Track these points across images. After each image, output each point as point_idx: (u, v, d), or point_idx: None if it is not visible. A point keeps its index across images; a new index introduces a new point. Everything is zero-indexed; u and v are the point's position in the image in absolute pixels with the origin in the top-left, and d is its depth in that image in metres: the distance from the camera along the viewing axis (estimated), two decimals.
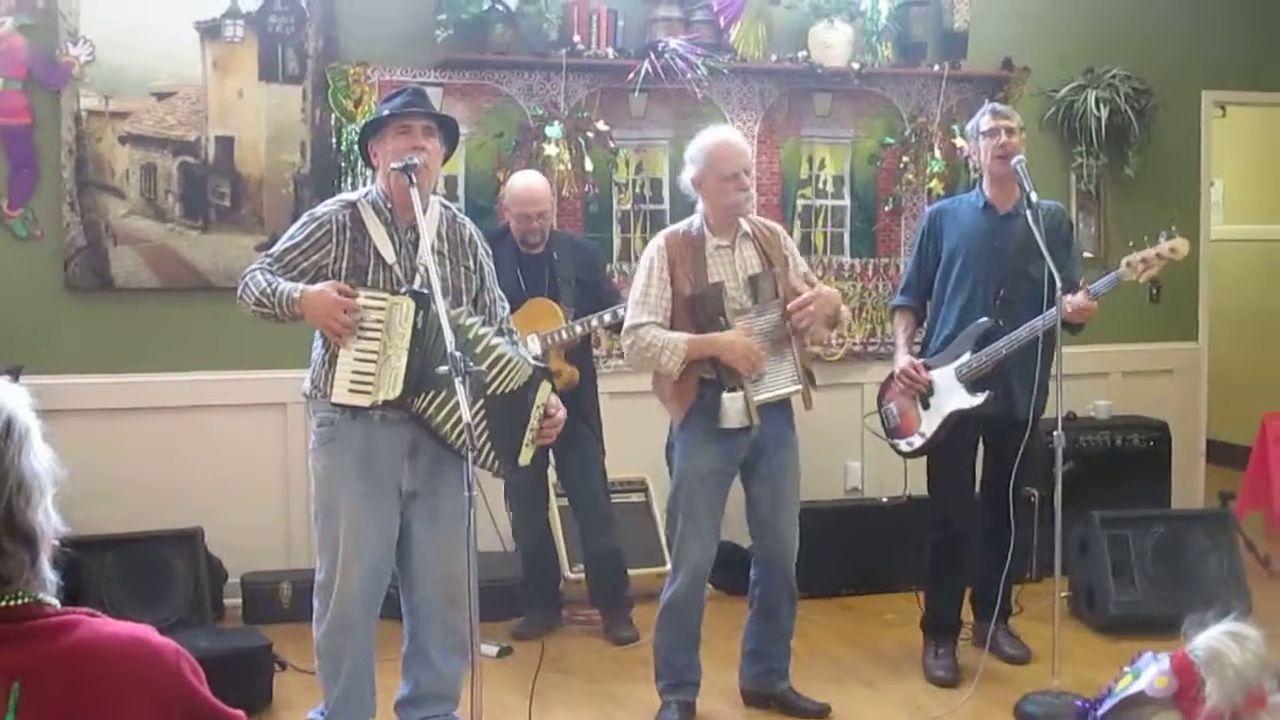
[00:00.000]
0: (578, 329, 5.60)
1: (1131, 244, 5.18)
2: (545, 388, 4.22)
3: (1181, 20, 7.51)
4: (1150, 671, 1.65)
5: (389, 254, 4.15)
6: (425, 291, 4.04)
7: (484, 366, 3.99)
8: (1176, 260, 5.12)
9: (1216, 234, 8.20)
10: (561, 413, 4.28)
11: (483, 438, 4.07)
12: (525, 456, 4.22)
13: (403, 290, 4.08)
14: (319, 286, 4.05)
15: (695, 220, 4.79)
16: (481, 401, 4.00)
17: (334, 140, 6.18)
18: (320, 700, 4.40)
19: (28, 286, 5.92)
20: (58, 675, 1.66)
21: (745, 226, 4.79)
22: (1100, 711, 1.68)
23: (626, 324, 4.74)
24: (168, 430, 6.08)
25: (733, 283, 4.72)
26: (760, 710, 4.96)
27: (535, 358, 4.40)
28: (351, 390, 4.06)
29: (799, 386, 4.79)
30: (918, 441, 5.36)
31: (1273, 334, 9.06)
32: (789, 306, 4.70)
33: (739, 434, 4.68)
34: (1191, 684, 1.62)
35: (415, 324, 4.03)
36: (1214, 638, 1.65)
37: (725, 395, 4.63)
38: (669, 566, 6.18)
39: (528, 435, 4.19)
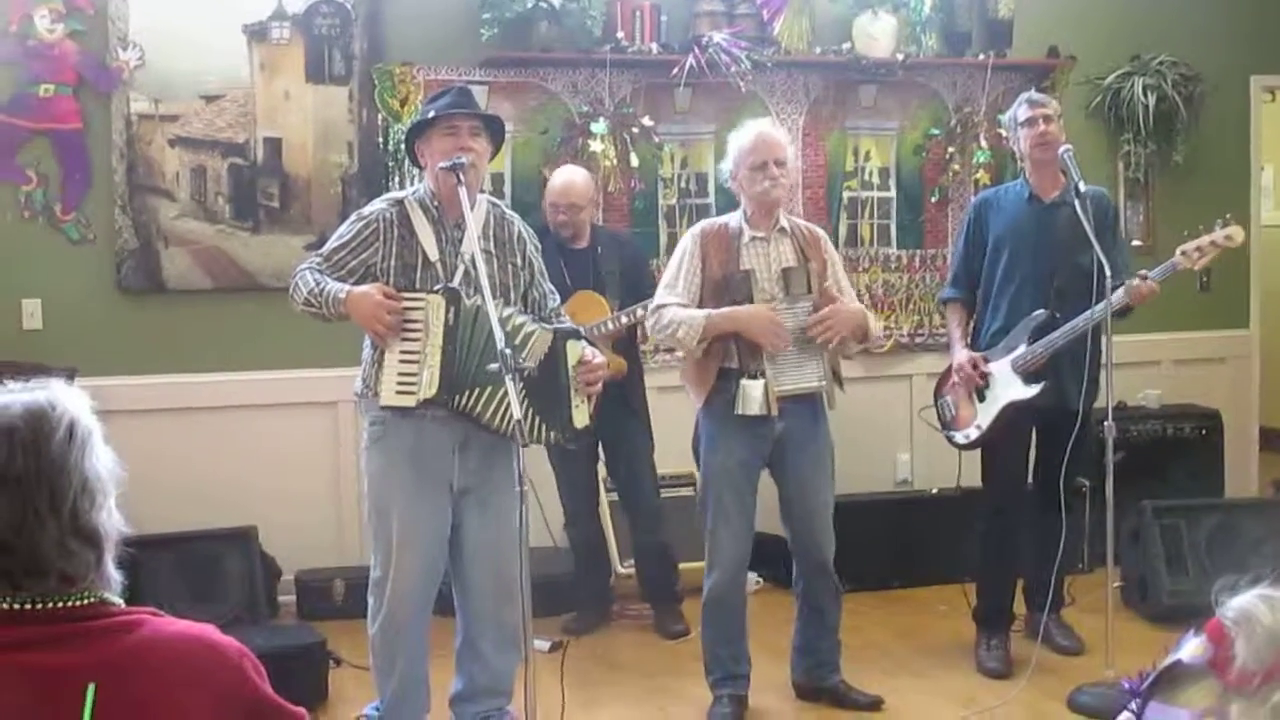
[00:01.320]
0: (623, 319, 5.62)
1: (1186, 233, 5.15)
2: (575, 346, 4.23)
3: (1228, 5, 7.45)
4: (1188, 644, 1.68)
5: (434, 251, 4.18)
6: (458, 289, 4.07)
7: (520, 349, 4.00)
8: (1232, 248, 5.09)
9: (1267, 220, 8.13)
10: (600, 358, 4.30)
11: (531, 416, 4.09)
12: (579, 418, 4.24)
13: (437, 288, 4.10)
14: (364, 288, 4.08)
15: (735, 216, 4.81)
16: (521, 383, 4.00)
17: (381, 140, 6.22)
18: (375, 696, 4.43)
19: (81, 289, 5.98)
20: (126, 674, 1.69)
21: (784, 223, 4.80)
22: (1143, 686, 1.70)
23: (652, 306, 4.78)
24: (220, 430, 6.14)
25: (765, 274, 4.71)
26: (812, 704, 4.96)
27: (561, 326, 4.37)
28: (399, 392, 4.09)
29: (823, 384, 4.76)
30: (974, 434, 5.34)
31: None
32: (808, 322, 4.68)
33: (762, 425, 4.66)
34: (1224, 646, 1.64)
35: (447, 321, 4.05)
36: (1246, 600, 1.67)
37: (745, 381, 4.62)
38: None
39: (574, 398, 4.21)
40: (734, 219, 4.80)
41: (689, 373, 4.79)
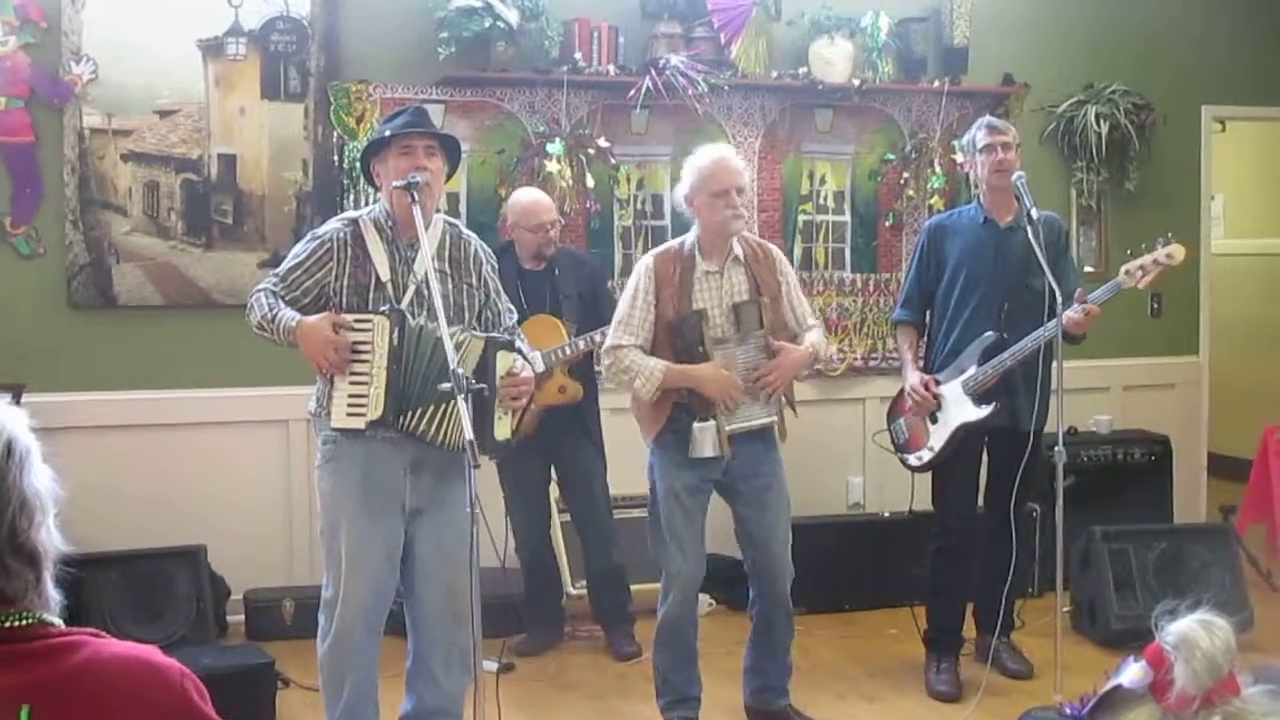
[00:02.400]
0: (581, 344, 5.61)
1: (1129, 251, 5.19)
2: (505, 357, 4.18)
3: (1181, 36, 7.54)
4: (1129, 668, 1.70)
5: (385, 272, 4.17)
6: (401, 309, 4.06)
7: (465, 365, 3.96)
8: (1174, 266, 5.13)
9: (1218, 248, 8.21)
10: (527, 371, 4.23)
11: (454, 424, 4.05)
12: (500, 430, 4.17)
13: (382, 309, 4.08)
14: (313, 320, 4.06)
15: (689, 239, 4.77)
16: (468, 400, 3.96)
17: (336, 157, 6.20)
18: (324, 717, 4.40)
19: (31, 304, 5.94)
20: (63, 696, 1.67)
21: (738, 250, 4.75)
22: (1084, 711, 1.72)
23: (607, 344, 4.74)
24: (170, 447, 6.09)
25: (717, 309, 4.69)
26: None
27: (494, 335, 4.31)
28: (349, 414, 4.07)
29: (773, 418, 4.76)
30: (927, 456, 5.37)
31: (1274, 347, 9.07)
32: (754, 375, 4.68)
33: (712, 459, 4.67)
34: (1163, 670, 1.66)
35: (392, 342, 4.03)
36: (1185, 625, 1.70)
37: (696, 425, 4.61)
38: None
39: (497, 409, 4.17)
40: (687, 243, 4.75)
41: (641, 408, 4.78)
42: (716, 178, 4.65)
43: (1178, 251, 5.09)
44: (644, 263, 4.78)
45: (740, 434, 4.67)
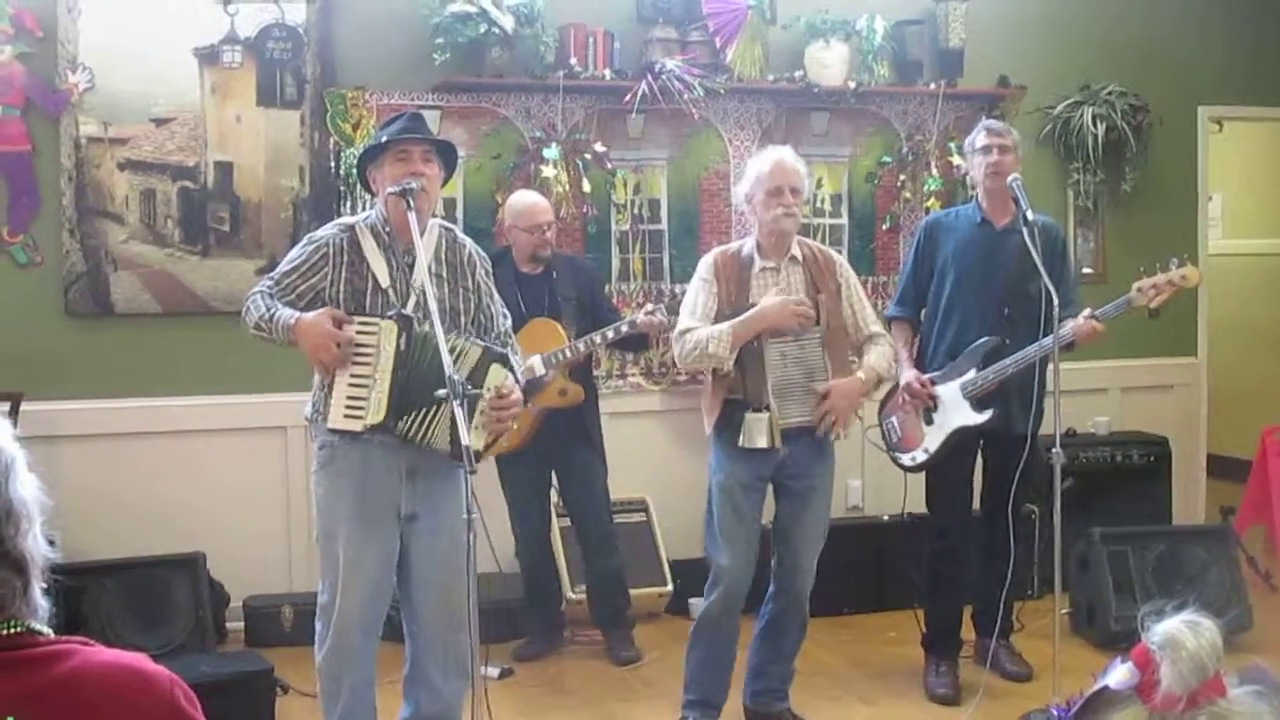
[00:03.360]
0: (581, 346, 5.62)
1: (1142, 269, 5.16)
2: (497, 370, 4.17)
3: (1177, 36, 7.54)
4: (1115, 670, 1.70)
5: (384, 277, 4.17)
6: (411, 315, 4.05)
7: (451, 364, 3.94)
8: (1187, 288, 5.14)
9: (1215, 249, 8.22)
10: (516, 395, 4.19)
11: (435, 420, 4.04)
12: (475, 441, 4.08)
13: (390, 314, 4.08)
14: (313, 315, 4.06)
15: (748, 243, 4.83)
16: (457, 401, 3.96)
17: (333, 164, 6.21)
18: None
19: (28, 313, 5.94)
20: (52, 705, 1.66)
21: (797, 251, 4.79)
22: (1071, 713, 1.72)
23: (676, 330, 4.78)
24: (169, 455, 6.10)
25: None
26: None
27: (491, 347, 4.30)
28: (347, 416, 4.07)
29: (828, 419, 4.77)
30: (921, 457, 5.36)
31: (1272, 348, 9.07)
32: (815, 416, 4.71)
33: (767, 452, 4.68)
34: (1150, 671, 1.66)
35: (399, 347, 4.03)
36: (1171, 625, 1.70)
37: (750, 415, 4.64)
38: (669, 586, 6.23)
39: (477, 418, 4.14)
40: (747, 246, 4.82)
41: (704, 400, 4.82)
42: (773, 176, 4.71)
43: (1192, 274, 5.09)
44: (706, 259, 4.87)
45: (793, 430, 4.69)
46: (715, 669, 4.82)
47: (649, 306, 5.66)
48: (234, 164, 6.14)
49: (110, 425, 6.01)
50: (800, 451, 4.73)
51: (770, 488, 4.82)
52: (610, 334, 5.60)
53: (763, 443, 4.64)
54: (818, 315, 4.74)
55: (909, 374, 5.34)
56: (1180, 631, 1.68)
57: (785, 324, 4.65)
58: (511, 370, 4.22)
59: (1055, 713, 1.77)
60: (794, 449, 4.71)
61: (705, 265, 4.82)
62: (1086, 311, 5.08)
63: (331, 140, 6.21)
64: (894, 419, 5.45)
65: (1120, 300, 5.14)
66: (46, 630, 1.73)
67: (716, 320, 4.70)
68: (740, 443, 4.66)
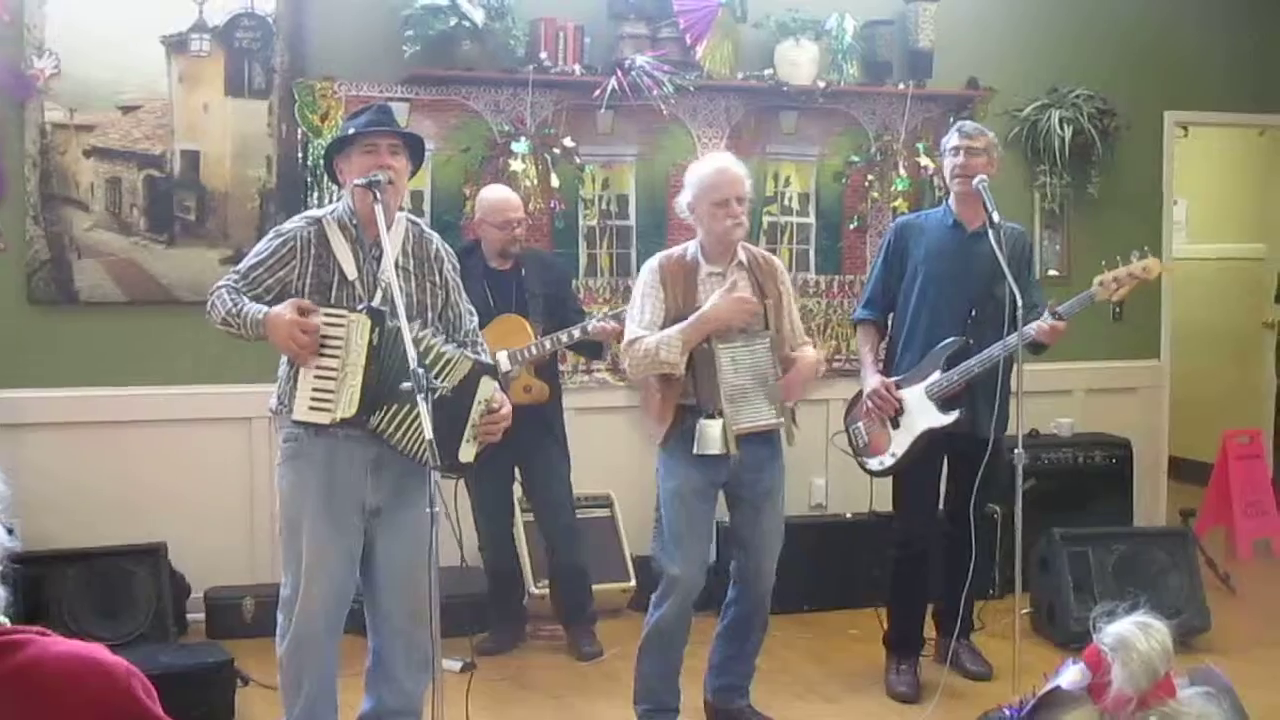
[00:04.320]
0: (547, 344, 5.61)
1: (1104, 263, 5.21)
2: (487, 384, 4.18)
3: (1144, 42, 7.59)
4: (1068, 670, 1.72)
5: (351, 270, 4.15)
6: (383, 309, 4.05)
7: (430, 367, 3.96)
8: (1148, 280, 5.16)
9: (1179, 253, 8.28)
10: (506, 409, 4.20)
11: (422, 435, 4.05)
12: (466, 453, 4.12)
13: (360, 307, 4.07)
14: (279, 308, 4.05)
15: (691, 247, 4.78)
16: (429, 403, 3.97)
17: (300, 155, 6.18)
18: (282, 716, 4.39)
19: None
20: (7, 695, 1.66)
21: (741, 256, 4.76)
22: (1023, 712, 1.74)
23: (624, 341, 4.73)
24: (131, 445, 6.07)
25: None
26: None
27: (482, 359, 4.33)
28: (312, 408, 4.05)
29: (780, 420, 4.75)
30: (889, 461, 5.37)
31: (1235, 352, 9.13)
32: (780, 384, 4.70)
33: (720, 458, 4.65)
34: (1101, 672, 1.68)
35: (371, 341, 4.02)
36: (1122, 627, 1.72)
37: (704, 421, 4.60)
38: (632, 582, 6.22)
39: (468, 431, 4.15)
40: (690, 250, 4.76)
41: (650, 408, 4.77)
42: (718, 187, 4.65)
43: (1153, 265, 5.12)
44: (650, 265, 4.80)
45: (746, 435, 4.66)
46: (667, 677, 4.79)
47: (603, 313, 5.65)
48: (201, 153, 6.11)
49: (73, 414, 5.98)
50: (753, 456, 4.70)
51: (722, 494, 4.81)
52: (564, 338, 5.59)
53: (717, 449, 4.60)
54: (766, 320, 4.73)
55: (874, 380, 5.34)
56: (1132, 633, 1.70)
57: (735, 321, 4.61)
58: (500, 384, 4.24)
59: (1008, 712, 1.79)
60: (747, 454, 4.68)
61: (650, 272, 4.75)
62: (1049, 311, 5.10)
63: (299, 131, 6.18)
64: (860, 424, 5.46)
65: (1083, 295, 5.17)
66: (3, 620, 1.72)
67: (665, 324, 4.65)
68: (695, 450, 4.61)
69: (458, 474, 4.38)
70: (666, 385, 4.66)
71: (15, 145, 5.89)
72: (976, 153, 5.23)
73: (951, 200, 5.39)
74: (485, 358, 4.32)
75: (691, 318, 4.59)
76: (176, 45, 6.04)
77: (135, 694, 1.73)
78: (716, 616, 5.00)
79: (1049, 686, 1.74)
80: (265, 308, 4.06)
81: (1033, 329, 4.99)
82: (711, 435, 4.59)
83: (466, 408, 4.12)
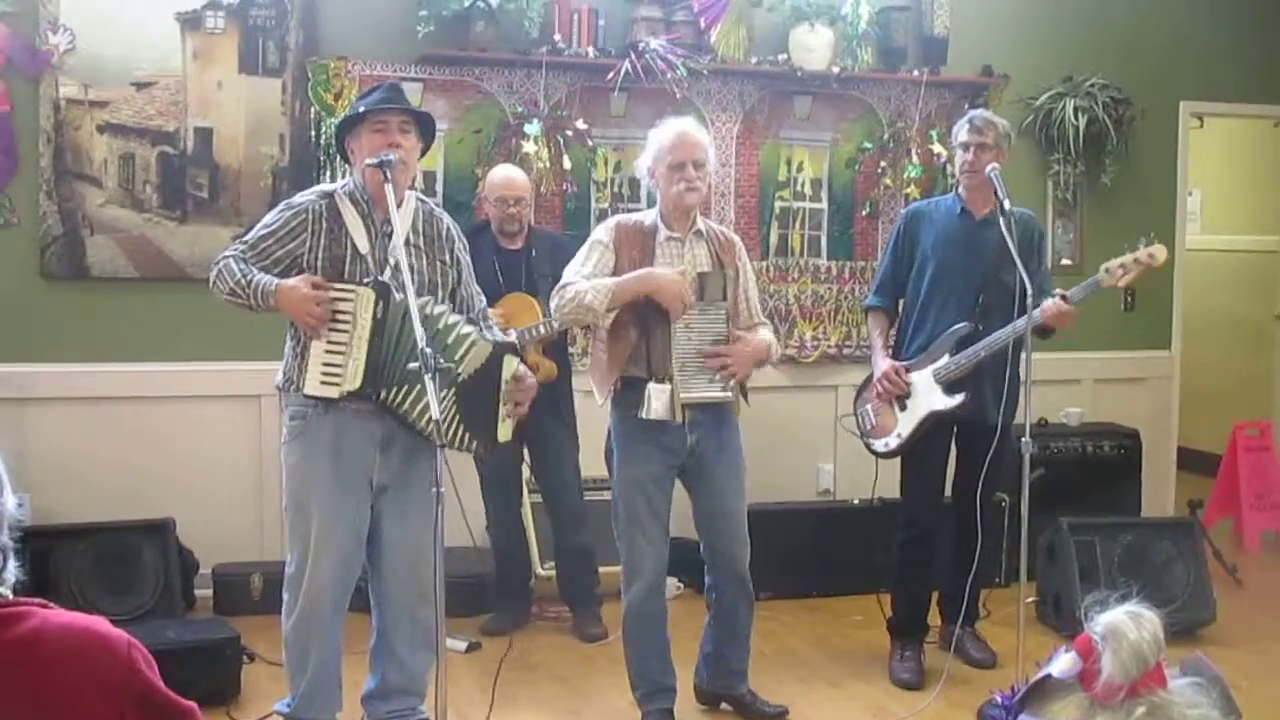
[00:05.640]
0: (555, 324, 5.61)
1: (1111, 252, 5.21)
2: (510, 361, 4.22)
3: (1161, 31, 7.56)
4: (1059, 658, 1.73)
5: (364, 244, 4.16)
6: (387, 282, 4.06)
7: (452, 351, 4.00)
8: (1155, 267, 5.15)
9: (1192, 244, 8.25)
10: (531, 379, 4.29)
11: (456, 423, 4.09)
12: (504, 432, 4.25)
13: (367, 281, 4.09)
14: (292, 280, 4.06)
15: (650, 214, 4.73)
16: (453, 388, 4.02)
17: (313, 133, 6.19)
18: (287, 692, 4.41)
19: (4, 274, 5.91)
20: (9, 665, 1.67)
21: (700, 225, 4.73)
22: (1015, 700, 1.75)
23: (558, 285, 4.64)
24: (142, 420, 6.09)
25: (679, 274, 4.61)
26: (715, 711, 4.96)
27: (500, 339, 4.37)
28: (323, 382, 4.07)
29: (729, 395, 4.68)
30: (894, 443, 5.38)
31: (1245, 344, 9.12)
32: (704, 352, 4.63)
33: (672, 436, 4.59)
34: (1092, 660, 1.69)
35: (376, 314, 4.04)
36: (1114, 616, 1.73)
37: (652, 385, 4.51)
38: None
39: (502, 411, 4.21)
40: (649, 217, 4.72)
41: (595, 369, 4.72)
42: (674, 150, 4.61)
43: (1159, 252, 5.11)
44: (605, 223, 4.76)
45: (697, 407, 4.61)
46: (656, 655, 4.77)
47: None
48: (214, 130, 6.12)
49: (84, 389, 6.00)
50: (707, 434, 4.65)
51: (680, 477, 4.75)
52: (559, 285, 5.58)
53: (664, 415, 4.52)
54: (724, 290, 4.66)
55: (884, 363, 5.36)
56: (1122, 622, 1.70)
57: (668, 299, 4.49)
58: (521, 358, 4.28)
59: (1000, 699, 1.80)
60: (701, 433, 4.63)
61: (605, 230, 4.69)
62: (1057, 293, 5.09)
63: (313, 110, 6.19)
64: (868, 406, 5.47)
65: (1089, 281, 5.16)
66: (5, 592, 1.73)
67: None
68: (641, 414, 4.52)
69: (496, 454, 4.43)
70: (614, 344, 4.59)
71: (29, 121, 5.89)
72: (986, 148, 5.21)
73: (960, 188, 5.40)
74: (500, 336, 4.35)
75: (635, 273, 4.52)
76: (191, 22, 6.04)
77: (136, 666, 1.74)
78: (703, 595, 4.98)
79: (1040, 674, 1.75)
80: (276, 279, 4.07)
81: (1038, 311, 4.97)
82: (659, 401, 4.51)
83: (496, 387, 4.17)
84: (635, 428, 4.60)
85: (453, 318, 4.17)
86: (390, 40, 6.28)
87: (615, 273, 4.59)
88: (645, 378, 4.55)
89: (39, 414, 5.95)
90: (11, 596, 1.73)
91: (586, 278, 4.57)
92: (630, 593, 4.72)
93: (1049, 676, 1.73)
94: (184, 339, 6.10)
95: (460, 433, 4.14)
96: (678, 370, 4.57)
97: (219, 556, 6.07)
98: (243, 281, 4.09)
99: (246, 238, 4.25)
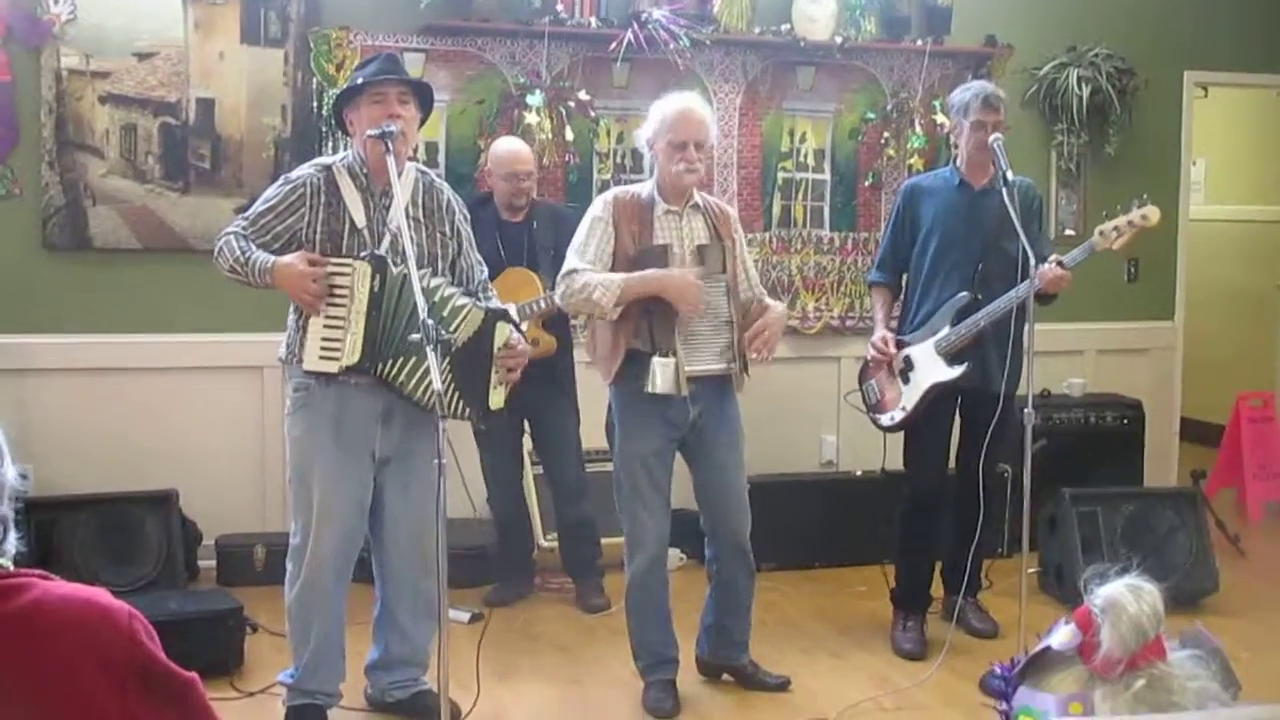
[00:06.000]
0: (556, 298, 5.60)
1: (1104, 213, 5.21)
2: (502, 329, 4.22)
3: (1165, 1, 7.52)
4: (1059, 630, 1.73)
5: (361, 218, 4.16)
6: (383, 255, 4.06)
7: (447, 322, 4.00)
8: (1148, 228, 5.13)
9: (1196, 214, 8.22)
10: (523, 345, 4.28)
11: (451, 390, 4.09)
12: (495, 399, 4.25)
13: (363, 255, 4.09)
14: (288, 258, 4.06)
15: (647, 186, 4.71)
16: (447, 357, 4.01)
17: (315, 104, 6.17)
18: (291, 662, 4.42)
19: (5, 245, 5.91)
20: (9, 637, 1.67)
21: (697, 199, 4.71)
22: (1014, 671, 1.75)
23: (563, 270, 4.61)
24: (144, 392, 6.10)
25: (679, 247, 4.62)
26: (718, 682, 4.97)
27: (493, 306, 4.36)
28: (323, 357, 4.08)
29: (732, 366, 4.69)
30: (899, 416, 5.37)
31: (1249, 314, 9.10)
32: (746, 335, 4.63)
33: (675, 408, 4.58)
34: (1091, 633, 1.69)
35: (373, 288, 4.04)
36: (1113, 589, 1.73)
37: (656, 360, 4.50)
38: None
39: (493, 378, 4.20)
40: (645, 189, 4.69)
41: (598, 347, 4.70)
42: (677, 128, 4.58)
43: (1152, 213, 5.10)
44: (602, 198, 4.71)
45: (699, 379, 4.61)
46: (658, 627, 4.78)
47: None
48: (216, 101, 6.10)
49: (86, 360, 6.00)
50: (709, 407, 4.67)
51: (681, 450, 4.76)
52: (564, 270, 5.56)
53: (669, 389, 4.51)
54: (723, 263, 4.67)
55: (877, 333, 5.37)
56: (1122, 595, 1.71)
57: (679, 300, 4.49)
58: (514, 324, 4.26)
59: (999, 670, 1.81)
60: (703, 405, 4.65)
61: (602, 205, 4.66)
62: (1054, 259, 5.08)
63: (315, 80, 6.18)
64: (874, 381, 5.47)
65: (1084, 245, 5.15)
66: (5, 563, 1.74)
67: (615, 262, 4.57)
68: (647, 388, 4.50)
69: (490, 422, 4.41)
70: (619, 321, 4.58)
71: (31, 91, 5.88)
72: (1000, 125, 5.20)
73: (959, 160, 5.38)
74: (496, 304, 4.34)
75: (643, 274, 4.52)
76: None
77: (137, 637, 1.74)
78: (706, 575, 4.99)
79: (1040, 646, 1.75)
80: (274, 257, 4.08)
81: (1039, 274, 4.96)
82: (664, 375, 4.49)
83: (488, 355, 4.17)
84: (637, 401, 4.59)
85: (448, 289, 4.16)
86: (392, 10, 6.26)
87: (616, 247, 4.58)
88: (649, 352, 4.54)
89: (41, 385, 5.95)
90: (12, 568, 1.73)
91: (591, 262, 4.56)
92: (633, 564, 4.73)
93: (1048, 649, 1.73)
94: (186, 310, 6.10)
95: (455, 400, 4.14)
96: (681, 343, 4.57)
97: (222, 528, 6.09)
98: (242, 259, 4.10)
99: (248, 213, 4.25)
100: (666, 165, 4.62)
